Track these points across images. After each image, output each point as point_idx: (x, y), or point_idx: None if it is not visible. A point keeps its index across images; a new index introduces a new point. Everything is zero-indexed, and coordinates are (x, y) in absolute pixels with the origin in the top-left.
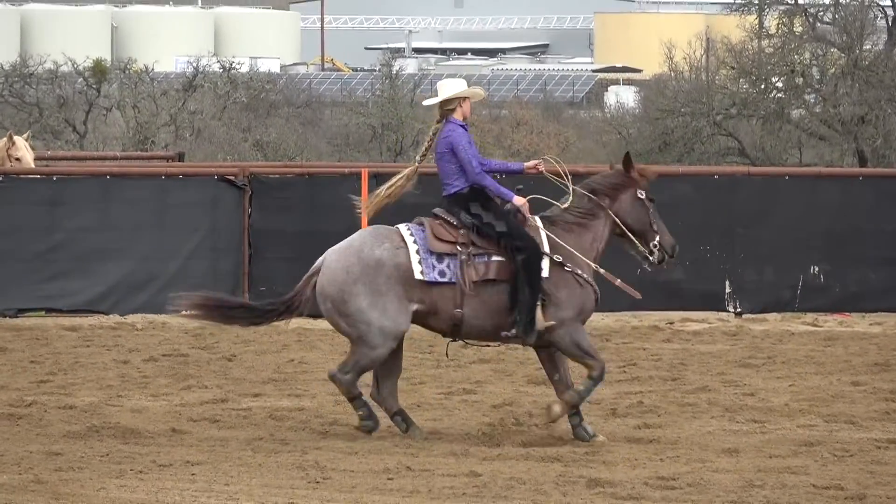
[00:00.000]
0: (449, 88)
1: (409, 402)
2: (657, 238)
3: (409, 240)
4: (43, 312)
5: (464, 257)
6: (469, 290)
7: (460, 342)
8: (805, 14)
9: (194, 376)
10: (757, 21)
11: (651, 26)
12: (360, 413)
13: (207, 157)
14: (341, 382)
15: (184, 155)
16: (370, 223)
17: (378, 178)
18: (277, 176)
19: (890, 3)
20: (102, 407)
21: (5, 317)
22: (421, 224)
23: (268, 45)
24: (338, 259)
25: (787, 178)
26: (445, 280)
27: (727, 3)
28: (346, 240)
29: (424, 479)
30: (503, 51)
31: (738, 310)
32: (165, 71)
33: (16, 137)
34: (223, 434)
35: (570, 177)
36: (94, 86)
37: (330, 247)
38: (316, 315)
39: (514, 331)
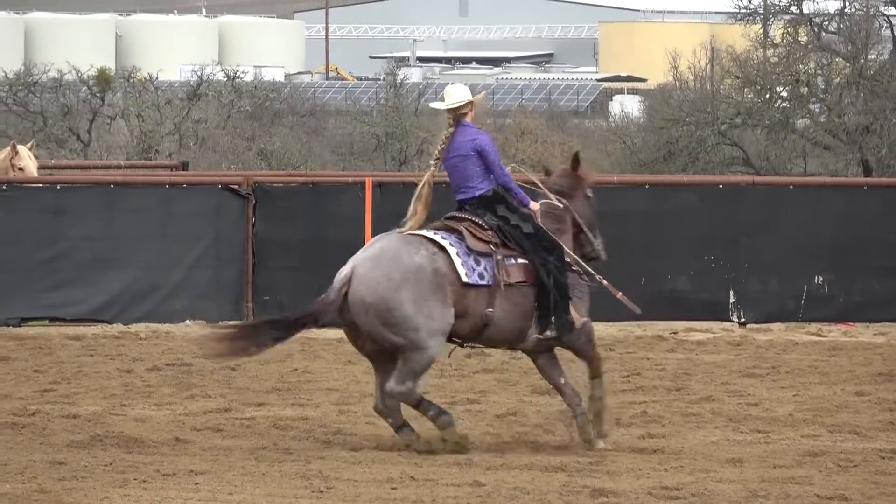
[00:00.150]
0: (461, 92)
1: (412, 411)
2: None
3: (445, 244)
4: (46, 321)
5: (499, 258)
6: (503, 291)
7: (466, 350)
8: (810, 23)
9: (198, 385)
10: (762, 30)
11: (656, 35)
12: (431, 414)
13: (211, 166)
14: (403, 395)
15: (188, 164)
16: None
17: (382, 188)
18: (281, 185)
19: (895, 13)
20: (106, 416)
21: (9, 326)
22: (446, 229)
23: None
24: (374, 268)
25: (791, 187)
26: (484, 283)
27: (732, 13)
28: (371, 248)
29: (428, 488)
30: (508, 60)
31: (743, 320)
32: (169, 80)
33: (19, 147)
34: (227, 443)
35: (539, 183)
36: (99, 94)
37: (335, 256)
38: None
39: (548, 332)
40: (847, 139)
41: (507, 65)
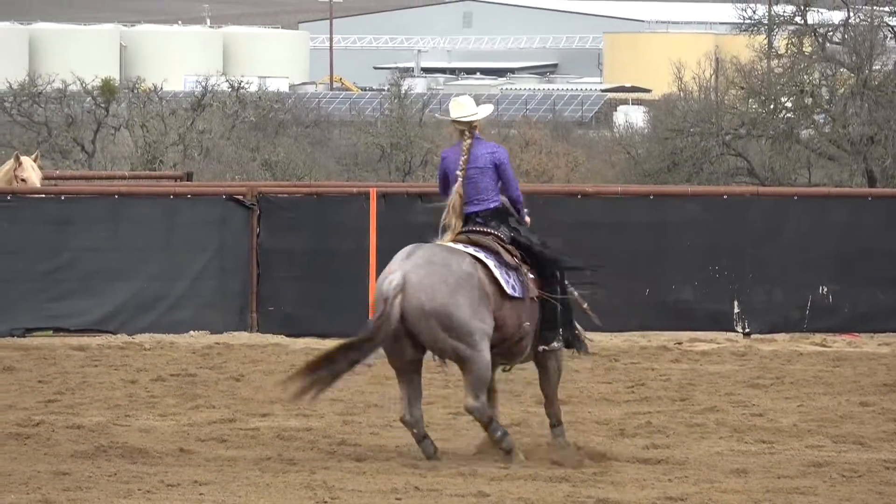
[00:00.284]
0: (473, 104)
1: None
2: None
3: (481, 255)
4: (51, 332)
5: (524, 270)
6: (529, 304)
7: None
8: (814, 34)
9: (202, 396)
10: (766, 41)
11: (660, 46)
12: (497, 435)
13: (216, 177)
14: (479, 410)
15: (192, 174)
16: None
17: (387, 198)
18: (286, 195)
19: None
20: (110, 426)
21: (13, 336)
22: (473, 243)
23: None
24: (428, 274)
25: (796, 198)
26: (518, 295)
27: (736, 24)
28: (417, 257)
29: (433, 498)
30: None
31: (747, 330)
32: (174, 90)
33: (22, 158)
34: (231, 454)
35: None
36: (103, 105)
37: (339, 266)
38: (326, 335)
39: (555, 344)
40: (851, 150)
41: (512, 75)
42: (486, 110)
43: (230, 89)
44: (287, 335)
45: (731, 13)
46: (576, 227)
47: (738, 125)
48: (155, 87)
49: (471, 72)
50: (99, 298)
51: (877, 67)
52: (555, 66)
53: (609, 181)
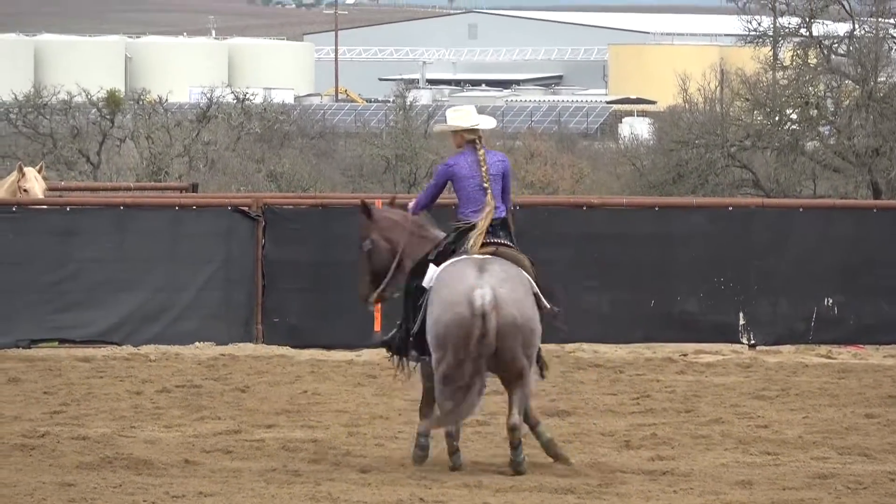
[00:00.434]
0: (476, 113)
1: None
2: None
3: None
4: (56, 343)
5: (539, 283)
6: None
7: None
8: (820, 46)
9: (207, 407)
10: (771, 53)
11: (665, 58)
12: (521, 456)
13: (221, 188)
14: (521, 426)
15: (197, 186)
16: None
17: None
18: (291, 207)
19: None
20: (115, 438)
21: (18, 348)
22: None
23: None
24: (513, 289)
25: (801, 210)
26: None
27: (741, 35)
28: (492, 271)
29: None
30: (517, 82)
31: (752, 342)
32: (179, 102)
33: (26, 169)
34: (236, 465)
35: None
36: (108, 116)
37: (344, 278)
38: (331, 346)
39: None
40: (857, 161)
41: (517, 87)
42: (488, 122)
43: (235, 101)
44: (292, 346)
45: (736, 25)
46: (581, 239)
47: (743, 137)
48: (160, 99)
49: (476, 83)
50: (104, 310)
51: (882, 79)
52: (560, 77)
53: (614, 193)
